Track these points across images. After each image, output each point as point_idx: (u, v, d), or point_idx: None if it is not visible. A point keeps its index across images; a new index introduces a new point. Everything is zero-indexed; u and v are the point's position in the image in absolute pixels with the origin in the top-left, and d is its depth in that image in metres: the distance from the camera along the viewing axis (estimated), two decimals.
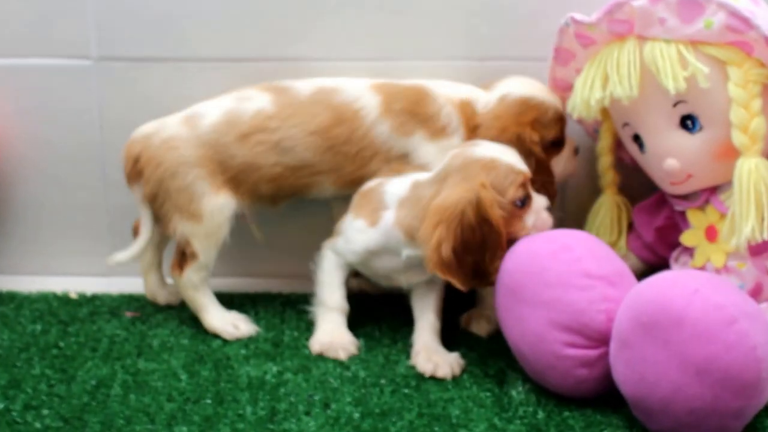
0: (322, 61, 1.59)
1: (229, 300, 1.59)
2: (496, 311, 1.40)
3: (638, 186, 1.55)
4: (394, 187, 1.43)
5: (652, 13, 1.33)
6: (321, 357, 1.43)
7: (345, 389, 1.34)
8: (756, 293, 1.39)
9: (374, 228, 1.42)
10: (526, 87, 1.51)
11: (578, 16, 1.41)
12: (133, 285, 1.67)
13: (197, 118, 1.49)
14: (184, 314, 1.58)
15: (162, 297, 1.61)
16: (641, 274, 1.45)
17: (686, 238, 1.45)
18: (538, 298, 1.28)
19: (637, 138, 1.44)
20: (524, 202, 1.36)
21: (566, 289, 1.25)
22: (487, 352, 1.45)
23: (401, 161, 1.50)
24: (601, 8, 1.37)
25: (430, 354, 1.40)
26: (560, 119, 1.51)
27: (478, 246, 1.31)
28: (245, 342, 1.49)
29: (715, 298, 1.15)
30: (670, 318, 1.16)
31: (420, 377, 1.39)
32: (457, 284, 1.34)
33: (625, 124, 1.46)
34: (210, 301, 1.53)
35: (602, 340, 1.25)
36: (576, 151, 1.56)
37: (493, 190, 1.33)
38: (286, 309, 1.62)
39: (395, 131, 1.51)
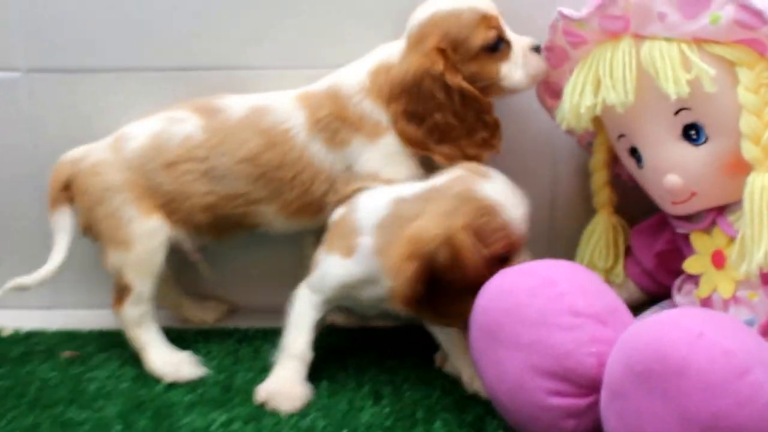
0: (265, 70, 1.54)
1: (179, 336, 1.49)
2: (471, 353, 1.26)
3: (637, 205, 1.44)
4: (369, 209, 1.32)
5: (650, 8, 1.23)
6: None
7: None
8: None
9: (350, 259, 1.31)
10: (428, 6, 1.37)
11: (566, 11, 1.31)
12: (76, 319, 1.57)
13: (124, 141, 1.43)
14: (127, 353, 1.45)
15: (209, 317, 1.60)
16: (641, 305, 1.38)
17: (690, 265, 1.35)
18: (517, 340, 1.15)
19: (634, 151, 1.35)
20: (505, 260, 1.24)
21: (549, 329, 1.13)
22: (465, 396, 1.33)
23: (348, 177, 1.41)
24: (591, 2, 1.28)
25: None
26: (483, 19, 1.36)
27: (447, 288, 1.22)
28: (192, 386, 1.37)
29: (723, 342, 1.02)
30: (670, 367, 1.03)
31: (386, 427, 1.26)
32: (425, 321, 1.23)
33: (621, 136, 1.37)
34: (153, 340, 1.43)
35: (592, 387, 1.12)
36: (536, 47, 1.41)
37: (477, 237, 1.22)
38: (241, 346, 1.50)
39: (329, 145, 1.41)
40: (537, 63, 1.40)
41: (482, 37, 1.36)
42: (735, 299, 1.30)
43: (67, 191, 1.43)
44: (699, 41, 1.23)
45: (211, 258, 1.54)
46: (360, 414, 1.29)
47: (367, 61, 1.44)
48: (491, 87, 1.41)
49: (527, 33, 1.43)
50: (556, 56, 1.40)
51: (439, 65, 1.34)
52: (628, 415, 1.08)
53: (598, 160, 1.47)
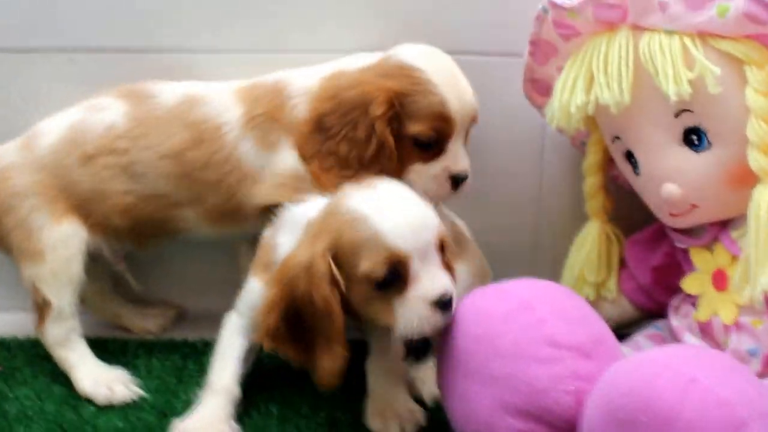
0: (228, 53, 1.46)
1: (120, 349, 1.42)
2: (438, 384, 1.18)
3: (634, 213, 1.38)
4: (288, 230, 1.22)
5: None
6: None
7: None
8: None
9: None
10: (413, 52, 1.29)
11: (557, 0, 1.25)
12: (3, 323, 1.48)
13: (36, 138, 1.35)
14: (59, 368, 1.36)
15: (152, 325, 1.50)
16: (635, 322, 1.33)
17: (689, 284, 1.28)
18: (488, 373, 1.07)
19: (630, 156, 1.28)
20: (390, 284, 1.11)
21: (524, 362, 1.05)
22: (432, 426, 1.23)
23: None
24: None
25: (381, 406, 1.22)
26: (441, 117, 1.26)
27: (307, 325, 1.13)
28: (125, 411, 1.28)
29: (718, 391, 0.92)
30: (657, 417, 0.93)
31: None
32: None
33: (616, 138, 1.29)
34: (81, 358, 1.34)
35: (569, 429, 1.03)
36: (455, 180, 1.30)
37: (343, 259, 1.11)
38: (187, 363, 1.40)
39: (260, 146, 1.32)
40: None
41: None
42: (737, 326, 1.21)
43: None
44: (704, 35, 1.17)
45: (156, 257, 1.47)
46: None
47: (325, 68, 1.34)
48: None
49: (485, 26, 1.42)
50: (542, 51, 1.32)
51: (381, 109, 1.23)
52: None
53: (592, 162, 1.38)
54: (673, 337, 1.29)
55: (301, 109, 1.30)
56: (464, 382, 1.11)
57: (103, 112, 1.34)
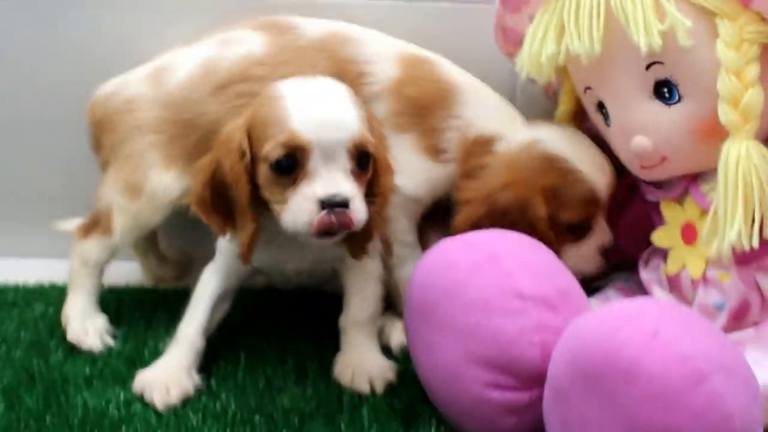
0: None
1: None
2: (405, 332, 1.18)
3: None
4: None
5: None
6: None
7: (207, 428, 1.13)
8: (741, 314, 1.20)
9: None
10: (557, 139, 1.31)
11: None
12: None
13: (165, 72, 1.33)
14: (31, 312, 1.38)
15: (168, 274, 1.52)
16: (604, 275, 1.33)
17: (658, 238, 1.28)
18: (454, 324, 1.08)
19: (601, 106, 1.28)
20: (289, 170, 1.12)
21: (490, 314, 1.05)
22: (398, 378, 1.24)
23: None
24: None
25: (352, 361, 1.23)
26: (591, 201, 1.28)
27: (227, 195, 1.15)
28: (93, 357, 1.28)
29: (680, 345, 0.93)
30: (620, 370, 0.94)
31: (306, 413, 1.17)
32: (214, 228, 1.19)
33: (587, 88, 1.29)
34: (85, 290, 1.35)
35: (535, 380, 1.05)
36: (602, 250, 1.32)
37: (254, 134, 1.13)
38: (157, 310, 1.40)
39: (390, 121, 1.33)
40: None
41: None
42: (705, 279, 1.22)
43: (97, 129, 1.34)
44: None
45: None
46: (279, 396, 1.21)
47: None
48: None
49: None
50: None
51: (541, 211, 1.26)
52: (572, 419, 1.00)
53: (564, 111, 1.38)
54: (643, 291, 1.30)
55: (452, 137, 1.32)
56: (430, 333, 1.11)
57: (239, 45, 1.31)
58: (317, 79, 1.17)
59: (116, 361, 1.27)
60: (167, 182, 1.30)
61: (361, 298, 1.27)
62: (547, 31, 1.25)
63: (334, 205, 1.10)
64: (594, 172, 1.27)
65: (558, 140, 1.28)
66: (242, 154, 1.13)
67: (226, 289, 1.28)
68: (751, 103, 1.14)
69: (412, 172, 1.30)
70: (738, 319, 1.20)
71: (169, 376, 1.20)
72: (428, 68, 1.33)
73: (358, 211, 1.12)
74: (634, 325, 0.96)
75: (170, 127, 1.31)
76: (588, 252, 1.30)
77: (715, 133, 1.17)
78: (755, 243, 1.14)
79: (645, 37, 1.15)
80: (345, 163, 1.12)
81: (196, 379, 1.22)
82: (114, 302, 1.42)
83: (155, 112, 1.31)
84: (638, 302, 1.03)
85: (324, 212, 1.10)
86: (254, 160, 1.14)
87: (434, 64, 1.33)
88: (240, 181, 1.13)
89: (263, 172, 1.13)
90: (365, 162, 1.15)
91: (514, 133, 1.30)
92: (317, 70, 1.26)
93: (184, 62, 1.33)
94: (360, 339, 1.26)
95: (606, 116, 1.28)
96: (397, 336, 1.33)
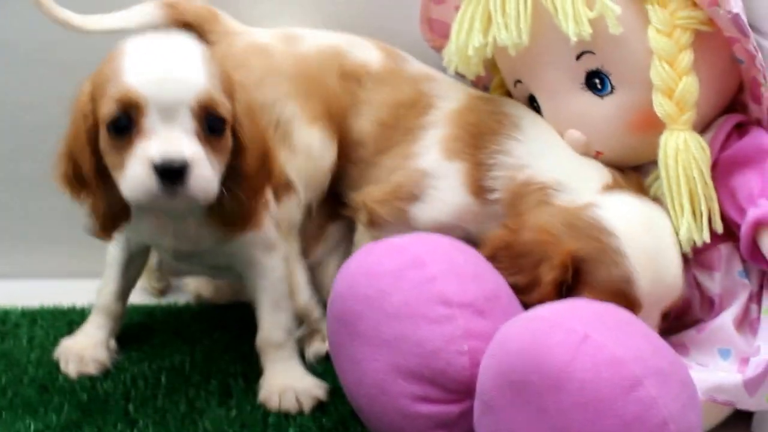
0: None
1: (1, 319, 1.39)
2: (329, 345, 1.17)
3: None
4: None
5: None
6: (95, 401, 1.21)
7: None
8: (681, 313, 1.21)
9: None
10: (618, 209, 1.18)
11: None
12: None
13: (296, 39, 1.34)
14: None
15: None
16: None
17: None
18: (378, 335, 1.06)
19: (533, 100, 1.28)
20: (124, 130, 1.05)
21: (415, 322, 1.04)
22: (326, 394, 1.22)
23: None
24: None
25: (277, 385, 1.21)
26: (622, 295, 1.12)
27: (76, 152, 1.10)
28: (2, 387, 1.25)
29: (611, 349, 0.93)
30: (548, 378, 0.93)
31: None
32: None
33: (518, 82, 1.29)
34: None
35: (465, 392, 1.04)
36: (664, 317, 1.17)
37: (96, 94, 1.07)
38: (73, 330, 1.34)
39: (443, 150, 1.31)
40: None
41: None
42: None
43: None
44: None
45: None
46: (202, 419, 1.19)
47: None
48: None
49: None
50: None
51: (551, 274, 1.13)
52: (501, 431, 0.98)
53: None
54: None
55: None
56: (354, 345, 1.10)
57: (363, 50, 1.34)
58: (169, 35, 1.12)
59: (26, 389, 1.25)
60: (314, 138, 1.30)
61: (273, 311, 1.24)
62: (473, 22, 1.24)
63: (171, 171, 1.03)
64: (644, 265, 1.11)
65: (622, 213, 1.14)
66: (85, 118, 1.07)
67: (131, 254, 1.28)
68: (686, 92, 1.14)
69: (447, 200, 1.27)
70: (679, 318, 1.20)
71: (85, 347, 1.24)
72: (492, 104, 1.30)
73: (201, 177, 1.05)
74: (563, 330, 0.95)
75: (303, 86, 1.30)
76: None
77: (651, 125, 1.17)
78: (706, 238, 1.14)
79: (574, 25, 1.15)
80: (188, 124, 1.04)
81: (113, 348, 1.27)
82: (27, 325, 1.40)
83: (291, 66, 1.30)
84: (565, 304, 1.03)
85: (157, 181, 1.03)
86: (97, 122, 1.07)
87: (501, 102, 1.31)
88: (83, 148, 1.07)
89: (104, 136, 1.06)
90: (218, 127, 1.07)
91: (582, 189, 1.18)
92: (404, 94, 1.31)
93: (314, 37, 1.35)
94: (281, 359, 1.23)
95: (537, 110, 1.27)
96: (315, 345, 1.31)
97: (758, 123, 1.22)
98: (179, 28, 1.28)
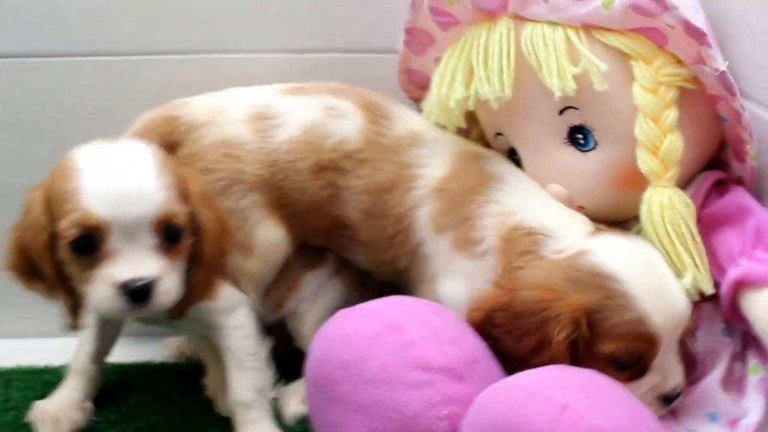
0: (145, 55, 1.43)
1: None
2: (307, 408, 1.16)
3: None
4: None
5: None
6: None
7: None
8: None
9: None
10: (611, 254, 1.13)
11: None
12: None
13: (271, 123, 1.26)
14: None
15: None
16: None
17: None
18: (356, 400, 1.05)
19: (513, 153, 1.27)
20: (88, 249, 1.07)
21: (393, 388, 1.02)
22: None
23: None
24: None
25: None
26: (640, 336, 1.09)
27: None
28: None
29: (590, 419, 0.92)
30: None
31: None
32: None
33: (498, 134, 1.28)
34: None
35: None
36: (666, 398, 1.14)
37: (53, 207, 1.08)
38: (48, 391, 1.32)
39: (432, 227, 1.28)
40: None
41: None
42: None
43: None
44: (588, 28, 1.16)
45: None
46: None
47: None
48: None
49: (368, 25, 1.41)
50: (418, 41, 1.29)
51: (563, 333, 1.09)
52: None
53: None
54: None
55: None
56: (332, 410, 1.08)
57: (342, 121, 1.26)
58: (119, 143, 1.13)
59: None
60: (277, 239, 1.28)
61: (239, 371, 1.23)
62: (455, 74, 1.23)
63: (136, 291, 1.06)
64: (652, 301, 1.09)
65: (617, 255, 1.11)
66: (42, 230, 1.07)
67: (106, 318, 1.26)
68: (671, 149, 1.14)
69: (452, 279, 1.23)
70: None
71: (61, 409, 1.24)
72: (476, 164, 1.26)
73: (165, 292, 1.08)
74: (542, 398, 0.94)
75: (270, 190, 1.26)
76: (641, 394, 1.10)
77: (634, 181, 1.16)
78: (711, 287, 1.14)
79: (558, 81, 1.14)
80: (149, 240, 1.07)
81: (90, 409, 1.26)
82: (2, 386, 1.38)
83: (258, 169, 1.25)
84: (545, 372, 1.01)
85: (124, 300, 1.06)
86: (55, 234, 1.08)
87: (485, 159, 1.26)
88: (42, 256, 1.08)
89: (63, 248, 1.07)
90: (177, 235, 1.10)
91: (569, 236, 1.16)
92: (384, 175, 1.25)
93: (290, 118, 1.27)
94: (251, 420, 1.22)
95: (518, 163, 1.27)
96: (293, 406, 1.29)
97: (739, 181, 1.22)
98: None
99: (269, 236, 1.28)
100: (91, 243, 1.06)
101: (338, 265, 1.35)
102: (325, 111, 1.26)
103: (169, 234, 1.08)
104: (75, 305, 1.12)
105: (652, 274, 1.11)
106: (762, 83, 1.19)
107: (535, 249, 1.15)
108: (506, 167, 1.25)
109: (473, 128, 1.35)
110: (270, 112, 1.26)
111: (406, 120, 1.27)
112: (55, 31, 1.42)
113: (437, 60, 1.28)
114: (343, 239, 1.29)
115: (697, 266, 1.13)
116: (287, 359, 1.30)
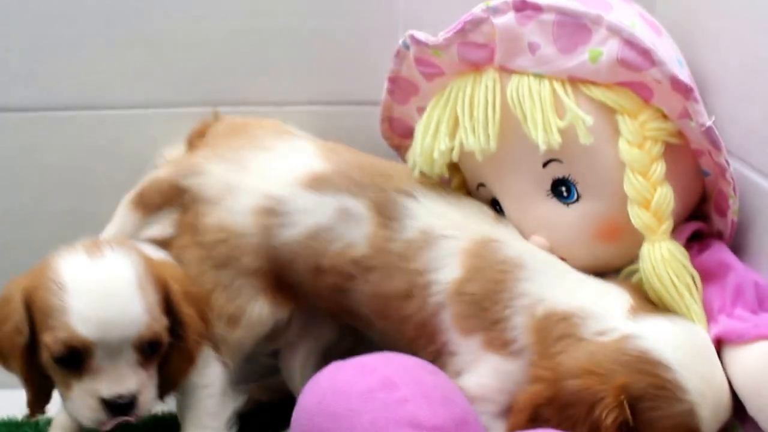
0: (125, 109, 1.45)
1: None
2: None
3: None
4: None
5: (519, 36, 1.17)
6: None
7: None
8: None
9: None
10: (666, 339, 1.11)
11: (420, 35, 1.23)
12: None
13: (276, 220, 1.25)
14: None
15: None
16: None
17: None
18: None
19: (496, 203, 1.27)
20: (71, 364, 1.12)
21: None
22: None
23: None
24: (450, 26, 1.19)
25: None
26: (688, 430, 1.07)
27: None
28: None
29: None
30: None
31: None
32: None
33: (480, 185, 1.29)
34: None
35: None
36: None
37: (35, 312, 1.12)
38: None
39: (459, 327, 1.24)
40: None
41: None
42: None
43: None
44: (575, 81, 1.17)
45: None
46: None
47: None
48: None
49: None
50: (402, 90, 1.30)
51: (611, 417, 1.07)
52: None
53: None
54: None
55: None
56: None
57: (351, 225, 1.24)
58: (102, 257, 1.15)
59: None
60: (267, 312, 1.27)
61: (196, 428, 1.24)
62: (439, 125, 1.23)
63: (119, 406, 1.11)
64: (702, 393, 1.07)
65: (668, 341, 1.09)
66: (18, 332, 1.11)
67: None
68: (662, 202, 1.15)
69: (481, 373, 1.19)
70: None
71: None
72: (490, 256, 1.21)
73: (145, 403, 1.13)
74: None
75: (270, 277, 1.26)
76: None
77: (616, 235, 1.19)
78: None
79: (544, 134, 1.15)
80: (131, 357, 1.12)
81: None
82: None
83: (258, 262, 1.25)
84: None
85: (106, 413, 1.12)
86: (35, 335, 1.12)
87: (499, 246, 1.22)
88: (16, 357, 1.12)
89: (46, 356, 1.11)
90: (155, 348, 1.14)
91: (608, 315, 1.13)
92: (396, 283, 1.22)
93: (300, 219, 1.25)
94: None
95: (501, 213, 1.27)
96: None
97: (719, 235, 1.24)
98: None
99: (259, 312, 1.27)
100: (75, 359, 1.10)
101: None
102: (337, 214, 1.23)
103: (149, 349, 1.13)
104: (42, 397, 1.17)
105: (704, 364, 1.09)
106: (741, 139, 1.21)
107: (573, 332, 1.12)
108: (521, 248, 1.21)
109: (454, 177, 1.34)
110: (281, 208, 1.24)
111: (418, 217, 1.23)
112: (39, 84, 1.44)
113: (420, 110, 1.29)
114: (359, 323, 1.30)
115: (700, 315, 1.15)
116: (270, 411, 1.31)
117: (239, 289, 1.26)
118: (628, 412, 1.04)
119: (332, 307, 1.29)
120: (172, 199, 1.28)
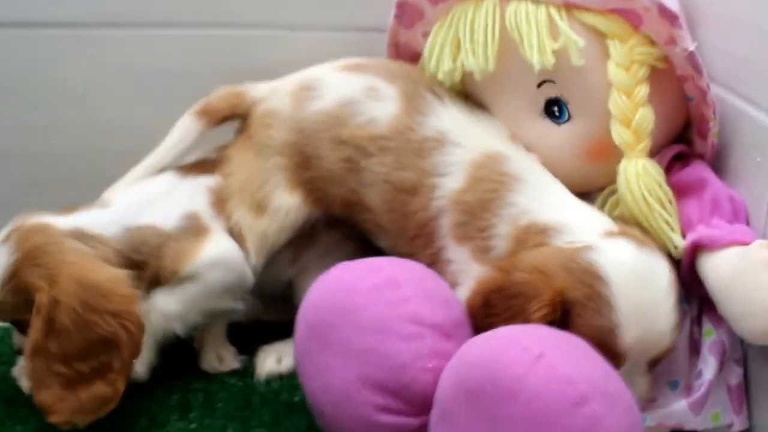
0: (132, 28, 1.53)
1: None
2: (294, 353, 1.22)
3: None
4: None
5: None
6: None
7: None
8: None
9: None
10: (614, 256, 1.14)
11: None
12: None
13: (309, 94, 1.36)
14: None
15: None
16: None
17: None
18: (349, 345, 1.12)
19: None
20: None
21: (386, 337, 1.09)
22: (285, 407, 1.30)
23: None
24: None
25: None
26: (605, 346, 1.10)
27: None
28: None
29: (563, 368, 0.99)
30: (502, 387, 0.99)
31: None
32: None
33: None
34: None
35: (426, 407, 1.08)
36: (651, 365, 1.17)
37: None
38: None
39: (453, 235, 1.32)
40: None
41: None
42: None
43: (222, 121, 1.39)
44: (569, 7, 1.23)
45: None
46: (161, 431, 1.25)
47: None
48: None
49: None
50: (408, 14, 1.36)
51: (539, 313, 1.13)
52: None
53: None
54: None
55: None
56: (323, 354, 1.16)
57: (377, 103, 1.32)
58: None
59: None
60: (290, 204, 1.35)
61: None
62: (443, 48, 1.32)
63: None
64: (631, 317, 1.10)
65: (619, 262, 1.12)
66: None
67: None
68: (643, 122, 1.22)
69: (469, 285, 1.23)
70: None
71: None
72: (493, 169, 1.26)
73: None
74: (520, 347, 1.02)
75: (295, 154, 1.35)
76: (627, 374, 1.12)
77: (604, 154, 1.25)
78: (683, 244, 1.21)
79: (538, 55, 1.22)
80: None
81: None
82: None
83: (286, 134, 1.35)
84: (527, 327, 1.09)
85: None
86: None
87: (505, 160, 1.27)
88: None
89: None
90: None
91: (584, 232, 1.16)
92: (407, 175, 1.29)
93: (329, 91, 1.34)
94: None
95: None
96: (269, 364, 1.39)
97: (700, 157, 1.31)
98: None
99: (284, 201, 1.36)
100: None
101: (352, 231, 1.43)
102: (365, 91, 1.32)
103: None
104: None
105: (647, 293, 1.11)
106: (723, 65, 1.28)
107: (545, 243, 1.16)
108: (526, 165, 1.26)
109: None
110: (314, 84, 1.35)
111: (439, 117, 1.30)
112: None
113: (425, 34, 1.36)
114: (366, 222, 1.34)
115: (671, 228, 1.22)
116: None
117: (269, 173, 1.37)
118: (558, 313, 1.09)
119: (345, 197, 1.37)
120: (237, 108, 1.40)
